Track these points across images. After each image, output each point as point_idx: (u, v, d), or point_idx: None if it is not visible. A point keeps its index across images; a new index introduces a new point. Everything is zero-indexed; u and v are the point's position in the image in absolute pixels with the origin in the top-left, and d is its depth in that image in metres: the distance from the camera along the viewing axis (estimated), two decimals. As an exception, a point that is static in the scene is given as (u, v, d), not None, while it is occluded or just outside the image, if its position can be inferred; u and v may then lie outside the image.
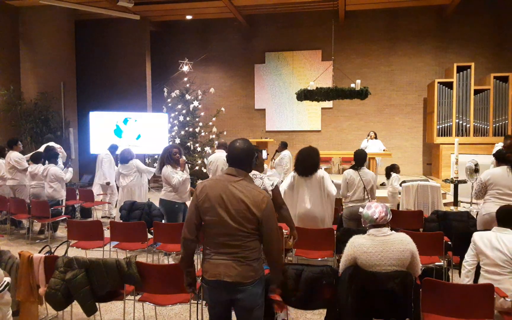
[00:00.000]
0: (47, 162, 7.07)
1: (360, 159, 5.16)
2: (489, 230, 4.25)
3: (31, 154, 7.50)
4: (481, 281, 3.21)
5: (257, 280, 2.38)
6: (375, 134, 10.85)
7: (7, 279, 2.96)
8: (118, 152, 8.18)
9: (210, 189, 2.40)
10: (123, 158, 7.08)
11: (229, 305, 2.45)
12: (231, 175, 2.42)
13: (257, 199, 2.34)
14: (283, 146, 9.25)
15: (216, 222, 2.36)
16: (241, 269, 2.33)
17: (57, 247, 4.67)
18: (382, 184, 9.49)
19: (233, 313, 2.53)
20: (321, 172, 4.68)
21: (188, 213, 2.48)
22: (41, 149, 7.99)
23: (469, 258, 3.34)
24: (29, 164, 7.37)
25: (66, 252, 4.74)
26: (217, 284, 2.36)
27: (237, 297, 2.36)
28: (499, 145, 6.36)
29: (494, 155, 4.86)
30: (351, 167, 5.21)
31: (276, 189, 3.71)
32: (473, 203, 6.20)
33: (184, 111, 12.00)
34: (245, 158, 2.46)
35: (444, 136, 11.24)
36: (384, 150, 10.55)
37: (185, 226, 2.46)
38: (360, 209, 3.14)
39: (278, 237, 2.42)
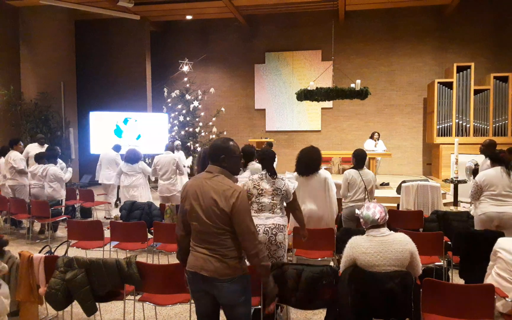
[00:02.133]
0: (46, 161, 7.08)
1: (361, 160, 5.15)
2: (488, 229, 4.30)
3: (34, 153, 7.52)
4: (489, 280, 3.16)
5: (236, 277, 2.40)
6: (379, 135, 10.83)
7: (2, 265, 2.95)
8: (121, 152, 8.26)
9: (190, 187, 2.49)
10: (130, 158, 7.08)
11: (213, 299, 2.48)
12: (208, 172, 2.48)
13: (226, 194, 2.37)
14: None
15: (194, 219, 2.44)
16: (218, 265, 2.38)
17: (57, 247, 4.68)
18: (382, 184, 9.49)
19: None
20: (323, 172, 4.67)
21: (178, 211, 2.62)
22: (38, 148, 8.03)
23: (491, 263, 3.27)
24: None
25: (66, 252, 4.75)
26: (195, 276, 2.44)
27: (215, 292, 2.43)
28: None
29: (488, 156, 4.86)
30: (352, 167, 5.20)
31: (295, 193, 3.79)
32: (471, 203, 6.17)
33: (184, 111, 12.01)
34: (216, 155, 2.49)
35: (444, 136, 11.24)
36: (384, 151, 10.54)
37: (176, 224, 2.62)
38: (357, 211, 3.13)
39: (252, 233, 2.38)
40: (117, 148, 8.42)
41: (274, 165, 3.94)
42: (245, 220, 2.37)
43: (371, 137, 10.84)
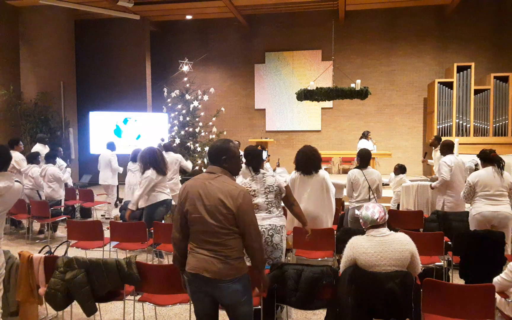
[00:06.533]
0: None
1: (364, 159, 5.12)
2: (488, 229, 4.30)
3: (45, 153, 7.49)
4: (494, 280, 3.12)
5: (238, 277, 2.42)
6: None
7: None
8: (117, 151, 8.24)
9: (190, 188, 2.47)
10: (132, 158, 7.09)
11: (212, 300, 2.48)
12: (209, 173, 2.48)
13: (232, 194, 2.38)
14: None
15: (196, 220, 2.42)
16: (221, 267, 2.37)
17: (57, 247, 4.67)
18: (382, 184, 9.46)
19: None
20: (322, 172, 4.66)
21: (175, 213, 2.57)
22: (35, 148, 8.00)
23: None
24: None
25: (66, 252, 4.74)
26: (196, 278, 2.43)
27: (217, 294, 2.42)
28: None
29: (478, 156, 4.81)
30: (356, 167, 5.17)
31: (288, 187, 3.76)
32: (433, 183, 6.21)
33: (184, 111, 11.98)
34: (218, 156, 2.50)
35: (444, 136, 11.22)
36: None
37: (173, 226, 2.57)
38: (357, 212, 3.12)
39: (257, 232, 2.44)
40: (111, 146, 8.34)
41: (265, 158, 3.87)
42: (251, 220, 2.42)
43: (366, 137, 10.73)
